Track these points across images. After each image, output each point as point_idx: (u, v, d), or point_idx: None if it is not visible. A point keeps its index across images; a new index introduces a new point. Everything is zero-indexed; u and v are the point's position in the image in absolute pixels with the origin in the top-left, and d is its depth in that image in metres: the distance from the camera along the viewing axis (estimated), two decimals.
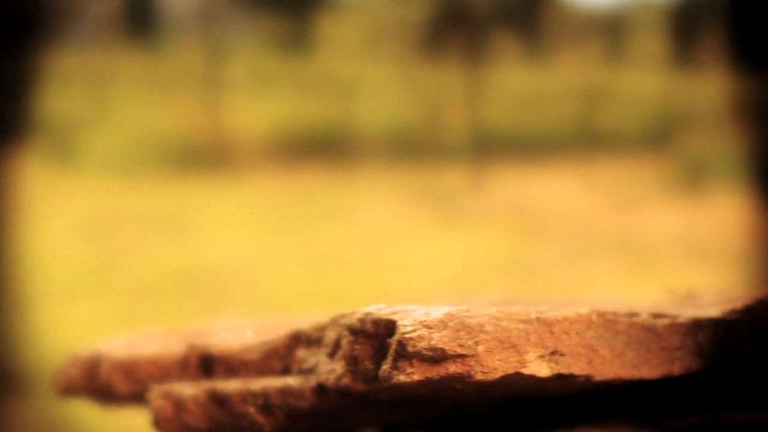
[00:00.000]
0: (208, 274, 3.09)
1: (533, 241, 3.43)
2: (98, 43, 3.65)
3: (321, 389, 0.67)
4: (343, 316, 0.67)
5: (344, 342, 0.65)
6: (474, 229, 3.47)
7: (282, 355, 0.72)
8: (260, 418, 0.70)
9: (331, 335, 0.68)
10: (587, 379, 0.64)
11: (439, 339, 0.61)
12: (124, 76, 3.76)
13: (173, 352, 0.78)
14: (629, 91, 4.08)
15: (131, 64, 3.80)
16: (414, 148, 3.77)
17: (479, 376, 0.61)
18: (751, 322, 0.70)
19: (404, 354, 0.61)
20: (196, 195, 3.52)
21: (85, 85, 3.65)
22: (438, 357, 0.61)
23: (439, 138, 3.78)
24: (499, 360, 0.62)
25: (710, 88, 4.08)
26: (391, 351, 0.62)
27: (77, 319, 2.67)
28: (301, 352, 0.71)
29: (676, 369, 0.66)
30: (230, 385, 0.72)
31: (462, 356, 0.61)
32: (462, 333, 0.61)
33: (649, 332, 0.66)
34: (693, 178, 3.82)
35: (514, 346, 0.62)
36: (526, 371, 0.62)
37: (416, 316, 0.62)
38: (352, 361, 0.65)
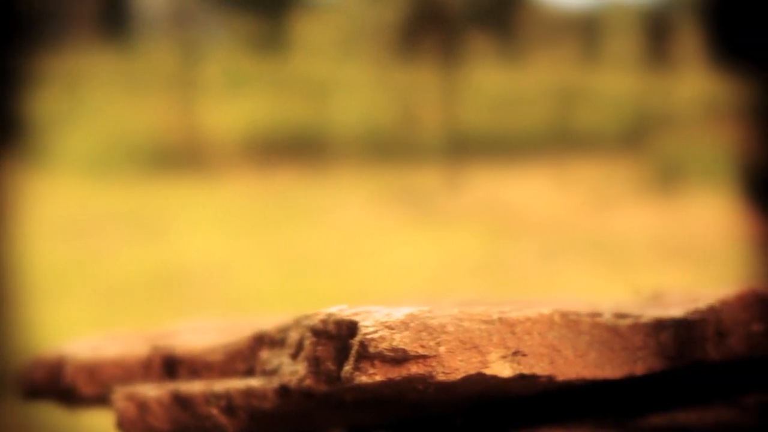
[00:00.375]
0: (182, 274, 3.08)
1: (508, 241, 3.44)
2: (72, 44, 3.63)
3: (284, 390, 0.67)
4: (306, 317, 0.67)
5: (307, 343, 0.65)
6: (449, 230, 3.47)
7: (246, 357, 0.72)
8: (223, 420, 0.70)
9: (294, 336, 0.68)
10: (550, 379, 0.64)
11: (400, 340, 0.61)
12: (99, 77, 3.75)
13: (137, 354, 0.77)
14: (604, 91, 4.09)
15: (106, 65, 3.79)
16: (389, 148, 3.77)
17: (441, 377, 0.61)
18: (714, 323, 0.70)
19: (366, 355, 0.61)
20: (171, 196, 3.51)
21: (59, 86, 3.63)
22: (399, 358, 0.61)
23: (414, 138, 3.78)
24: (461, 360, 0.62)
25: (684, 88, 4.09)
26: (353, 352, 0.62)
27: (52, 320, 2.66)
28: (264, 354, 0.70)
29: (639, 369, 0.67)
30: (194, 387, 0.72)
31: (424, 357, 0.61)
32: (423, 334, 0.61)
33: (612, 332, 0.66)
34: (667, 178, 3.84)
35: (476, 347, 0.62)
36: (488, 372, 0.62)
37: (378, 317, 0.62)
38: (315, 362, 0.65)
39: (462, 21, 3.97)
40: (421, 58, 3.86)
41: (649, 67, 4.11)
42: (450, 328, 0.61)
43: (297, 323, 0.68)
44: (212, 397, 0.71)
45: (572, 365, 0.64)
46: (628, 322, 0.67)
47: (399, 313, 0.62)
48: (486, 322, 0.63)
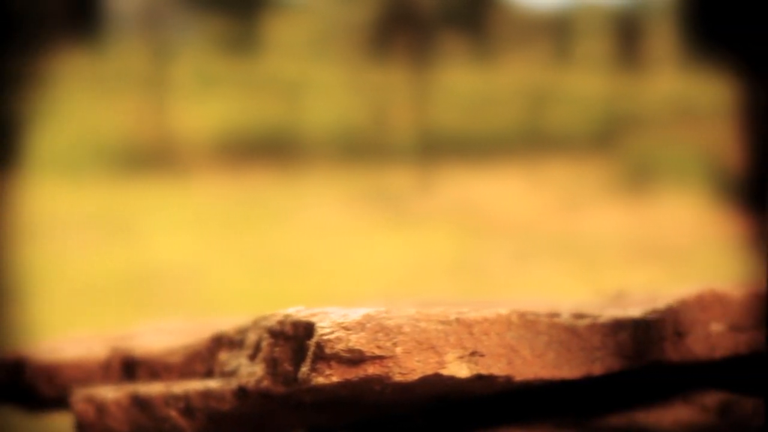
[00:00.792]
0: (153, 275, 3.07)
1: (480, 241, 3.44)
2: (41, 43, 3.62)
3: (242, 392, 0.66)
4: (264, 318, 0.67)
5: (264, 344, 0.65)
6: (421, 230, 3.47)
7: (205, 358, 0.72)
8: (182, 422, 0.70)
9: (252, 337, 0.68)
10: (508, 379, 0.64)
11: (356, 341, 0.61)
12: (69, 77, 3.73)
13: (96, 356, 0.77)
14: (575, 92, 4.10)
15: (76, 65, 3.77)
16: (361, 149, 3.77)
17: (398, 378, 0.61)
18: (672, 323, 0.70)
19: (322, 356, 0.61)
20: (142, 196, 3.50)
21: (29, 86, 3.61)
22: (356, 358, 0.61)
23: (386, 139, 3.78)
24: (418, 361, 0.61)
25: (656, 89, 4.11)
26: (310, 353, 0.62)
27: (21, 321, 2.64)
28: (223, 355, 0.70)
29: (597, 369, 0.67)
30: (152, 389, 0.72)
31: (380, 357, 0.61)
32: (380, 335, 0.61)
33: (570, 332, 0.66)
34: (639, 178, 3.85)
35: (433, 348, 0.62)
36: (445, 372, 0.62)
37: (334, 318, 0.62)
38: (272, 364, 0.65)
39: (434, 22, 3.98)
40: (394, 59, 3.86)
41: (621, 68, 4.12)
42: (406, 329, 0.61)
43: (255, 324, 0.68)
44: (171, 399, 0.70)
45: (530, 365, 0.64)
46: (586, 322, 0.67)
47: (355, 314, 0.62)
48: (443, 322, 0.63)
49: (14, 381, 0.79)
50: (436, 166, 3.72)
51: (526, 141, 3.88)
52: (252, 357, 0.66)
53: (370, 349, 0.61)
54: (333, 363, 0.61)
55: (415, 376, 0.61)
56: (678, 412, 0.73)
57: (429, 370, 0.61)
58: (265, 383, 0.65)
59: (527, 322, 0.65)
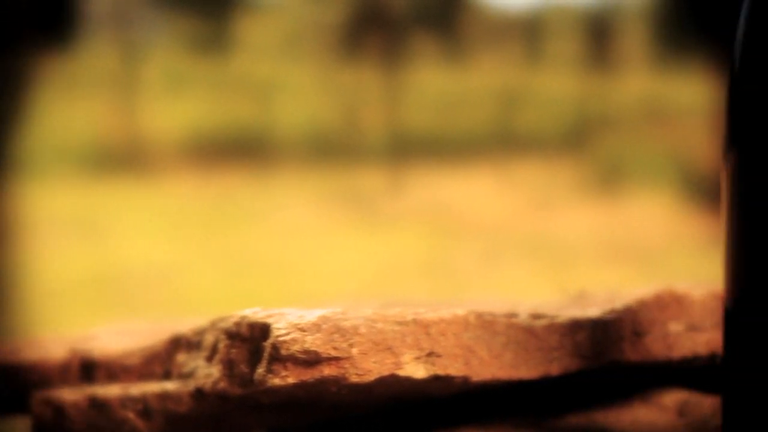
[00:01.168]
0: (124, 277, 3.06)
1: (451, 241, 3.44)
2: (11, 43, 3.59)
3: (199, 393, 0.66)
4: (221, 319, 0.67)
5: (221, 346, 0.65)
6: (392, 231, 3.47)
7: (163, 360, 0.72)
8: (140, 424, 0.69)
9: (209, 339, 0.67)
10: (465, 380, 0.64)
11: (312, 342, 0.60)
12: (39, 78, 3.71)
13: (55, 358, 0.77)
14: (547, 93, 4.11)
15: (46, 65, 3.75)
16: (332, 149, 3.76)
17: (354, 379, 0.61)
18: (630, 322, 0.70)
19: (278, 357, 0.61)
20: (112, 197, 3.49)
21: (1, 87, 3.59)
22: (312, 360, 0.61)
23: (357, 140, 3.78)
24: (375, 362, 0.61)
25: (626, 89, 4.12)
26: (266, 354, 0.62)
27: None
28: (181, 357, 0.70)
29: (555, 369, 0.67)
30: (110, 391, 0.71)
31: (336, 359, 0.61)
32: (336, 336, 0.61)
33: (528, 333, 0.66)
34: (609, 178, 3.86)
35: (389, 348, 0.62)
36: (402, 373, 0.62)
37: (290, 319, 0.62)
38: (229, 365, 0.64)
39: (405, 22, 3.98)
40: (365, 60, 3.86)
41: (592, 69, 4.13)
42: (363, 330, 0.61)
43: (213, 326, 0.67)
44: (129, 401, 0.70)
45: (487, 366, 0.64)
46: (543, 322, 0.67)
47: (312, 316, 0.61)
48: (400, 323, 0.62)
49: None
50: (407, 167, 3.72)
51: (498, 141, 3.89)
52: (209, 358, 0.66)
53: (326, 350, 0.60)
54: (289, 364, 0.61)
55: (371, 377, 0.61)
56: (637, 412, 0.73)
57: (385, 371, 0.61)
58: (222, 385, 0.64)
59: (485, 323, 0.65)
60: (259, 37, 3.89)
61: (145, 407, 0.69)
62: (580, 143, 3.93)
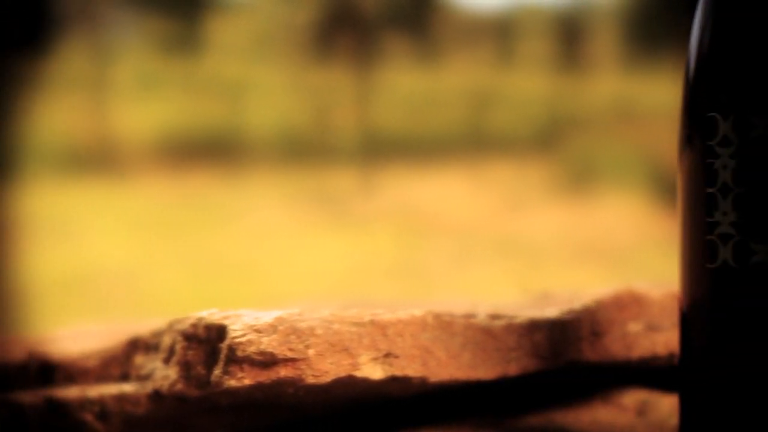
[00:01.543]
0: (93, 278, 3.05)
1: (423, 242, 3.44)
2: None
3: (156, 395, 0.66)
4: (179, 321, 0.67)
5: (178, 347, 0.65)
6: (364, 232, 3.47)
7: (121, 362, 0.71)
8: (98, 426, 0.69)
9: (167, 341, 0.67)
10: (422, 380, 0.64)
11: (268, 343, 0.61)
12: (8, 77, 3.69)
13: (13, 360, 0.76)
14: (518, 93, 4.12)
15: (15, 65, 3.73)
16: (303, 150, 3.76)
17: (311, 380, 0.61)
18: (589, 322, 0.70)
19: (234, 359, 0.61)
20: (82, 198, 3.47)
21: None
22: (268, 361, 0.61)
23: (328, 140, 3.78)
24: (331, 363, 0.61)
25: (597, 90, 4.13)
26: (222, 356, 0.62)
27: None
28: (139, 358, 0.70)
29: (513, 369, 0.67)
30: (69, 393, 0.71)
31: (293, 360, 0.61)
32: (292, 337, 0.61)
33: (486, 333, 0.66)
34: (581, 179, 3.87)
35: (346, 349, 0.62)
36: (358, 374, 0.62)
37: (247, 321, 0.62)
38: (186, 367, 0.64)
39: (377, 23, 3.98)
40: (336, 60, 3.86)
41: (564, 69, 4.14)
42: (319, 331, 0.61)
43: (170, 327, 0.67)
44: (86, 403, 0.70)
45: (445, 366, 0.64)
46: (502, 323, 0.67)
47: (268, 317, 0.61)
48: (357, 324, 0.62)
49: None
50: (378, 168, 3.72)
51: (469, 142, 3.89)
52: (166, 360, 0.66)
53: (282, 351, 0.60)
54: (245, 366, 0.61)
55: (328, 378, 0.61)
56: (596, 412, 0.73)
57: (342, 372, 0.61)
58: (179, 386, 0.64)
59: (442, 324, 0.65)
60: (230, 37, 3.88)
61: (102, 410, 0.69)
62: (552, 143, 3.94)
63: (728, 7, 0.58)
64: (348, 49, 3.82)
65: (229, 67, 3.89)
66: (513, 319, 0.68)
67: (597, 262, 3.42)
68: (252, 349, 0.60)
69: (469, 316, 0.67)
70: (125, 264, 3.17)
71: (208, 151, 3.75)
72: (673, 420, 0.72)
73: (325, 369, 0.61)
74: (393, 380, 0.63)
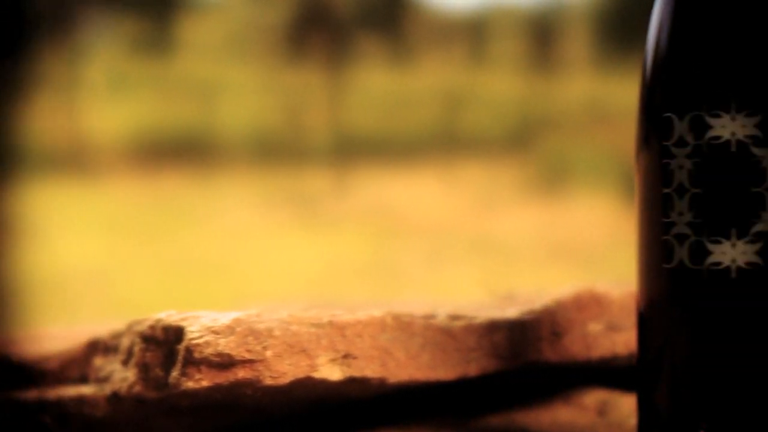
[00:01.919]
0: (64, 280, 3.03)
1: (395, 242, 3.45)
2: None
3: (115, 397, 0.66)
4: (137, 322, 0.66)
5: (136, 349, 0.65)
6: (336, 232, 3.47)
7: (80, 364, 0.71)
8: (57, 428, 0.69)
9: (125, 342, 0.67)
10: (381, 381, 0.64)
11: (225, 345, 0.60)
12: None
13: None
14: (490, 94, 4.12)
15: None
16: (276, 151, 3.75)
17: (269, 381, 0.61)
18: (549, 323, 0.71)
19: (192, 360, 0.61)
20: (53, 199, 3.46)
21: None
22: (226, 363, 0.61)
23: (301, 141, 3.77)
24: (289, 364, 0.61)
25: (570, 90, 4.14)
26: (180, 357, 0.61)
27: None
28: (98, 360, 0.69)
29: (472, 370, 0.67)
30: (27, 395, 0.71)
31: (250, 361, 0.61)
32: (250, 338, 0.61)
33: (445, 334, 0.66)
34: (553, 179, 3.88)
35: (304, 351, 0.62)
36: (317, 375, 0.62)
37: (204, 322, 0.61)
38: (144, 369, 0.64)
39: (349, 23, 3.97)
40: (309, 60, 3.85)
41: (536, 70, 4.15)
42: (277, 333, 0.61)
43: (129, 329, 0.67)
44: (45, 406, 0.69)
45: (404, 367, 0.64)
46: (461, 323, 0.67)
47: (225, 318, 0.61)
48: (315, 325, 0.62)
49: None
50: (351, 168, 3.72)
51: (442, 143, 3.89)
52: (125, 362, 0.66)
53: (239, 353, 0.60)
54: (203, 367, 0.60)
55: (286, 380, 0.61)
56: (557, 412, 0.74)
57: (300, 374, 0.61)
58: (137, 388, 0.64)
59: (402, 324, 0.65)
60: (202, 37, 3.87)
61: (61, 412, 0.68)
62: (525, 144, 3.95)
63: (684, 8, 0.58)
64: (320, 49, 3.82)
65: (201, 68, 3.88)
66: (473, 319, 0.68)
67: (569, 261, 3.43)
68: (209, 350, 0.60)
69: (429, 316, 0.67)
70: (97, 265, 3.15)
71: (181, 151, 3.74)
72: (634, 420, 0.72)
73: (283, 370, 0.61)
74: (352, 381, 0.63)
